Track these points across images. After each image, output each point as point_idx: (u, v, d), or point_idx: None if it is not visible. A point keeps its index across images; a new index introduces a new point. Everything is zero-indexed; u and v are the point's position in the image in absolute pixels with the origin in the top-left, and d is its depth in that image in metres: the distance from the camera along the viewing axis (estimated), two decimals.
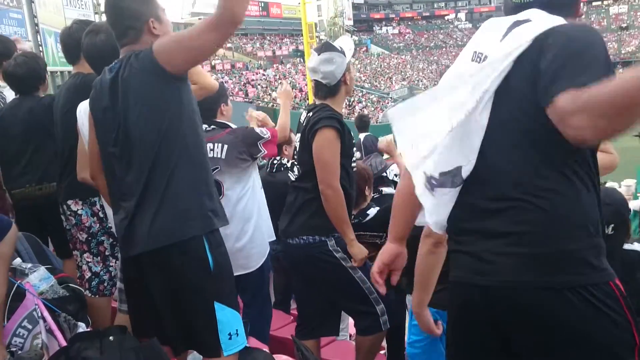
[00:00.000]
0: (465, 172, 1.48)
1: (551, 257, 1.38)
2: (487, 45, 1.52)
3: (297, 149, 2.88)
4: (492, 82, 1.44)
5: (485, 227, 1.46)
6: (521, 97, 1.41)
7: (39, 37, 17.75)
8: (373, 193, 3.83)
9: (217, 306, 2.00)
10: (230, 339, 2.03)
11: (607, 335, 1.38)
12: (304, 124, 2.81)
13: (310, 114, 2.80)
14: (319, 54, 2.79)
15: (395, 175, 4.43)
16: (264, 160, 4.41)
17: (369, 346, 2.88)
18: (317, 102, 2.87)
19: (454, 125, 1.45)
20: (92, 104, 2.17)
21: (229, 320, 2.03)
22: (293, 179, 2.95)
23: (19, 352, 2.17)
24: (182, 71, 2.02)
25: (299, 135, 2.92)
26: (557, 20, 1.45)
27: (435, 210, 1.57)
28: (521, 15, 1.51)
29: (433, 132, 1.49)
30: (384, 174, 4.27)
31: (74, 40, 2.84)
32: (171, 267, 1.99)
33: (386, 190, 3.79)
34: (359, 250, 2.78)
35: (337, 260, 2.76)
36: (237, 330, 2.06)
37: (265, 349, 2.68)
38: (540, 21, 1.46)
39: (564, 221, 1.38)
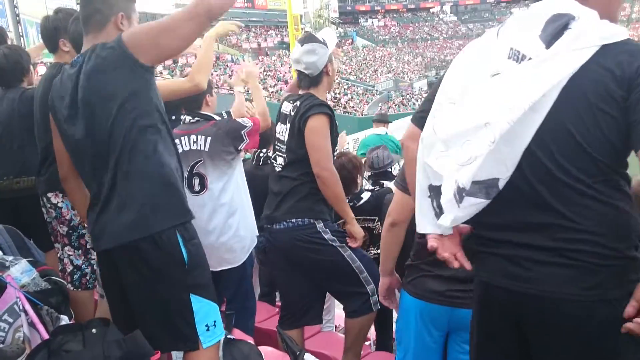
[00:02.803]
0: (502, 184, 1.40)
1: (594, 271, 1.35)
2: (526, 42, 1.37)
3: (285, 139, 2.87)
4: (552, 88, 1.32)
5: (526, 238, 1.41)
6: (584, 105, 1.33)
7: (20, 27, 17.47)
8: (374, 186, 3.86)
9: (193, 298, 1.99)
10: (207, 330, 2.02)
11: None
12: (294, 113, 2.80)
13: (298, 102, 2.81)
14: (301, 45, 2.83)
15: None
16: (249, 154, 4.38)
17: (358, 329, 2.91)
18: (301, 92, 2.88)
19: (497, 138, 1.33)
20: (54, 103, 2.11)
21: (205, 312, 2.02)
22: (279, 169, 2.94)
23: (1, 345, 2.14)
24: (154, 61, 1.99)
25: (280, 125, 2.92)
26: (617, 29, 1.35)
27: (453, 211, 1.46)
28: (558, 7, 1.38)
29: (473, 141, 1.38)
30: (389, 169, 4.24)
31: (57, 29, 2.80)
32: (145, 262, 1.96)
33: (387, 183, 3.81)
34: (359, 229, 2.84)
35: (326, 242, 2.77)
36: (214, 321, 2.05)
37: (250, 340, 2.68)
38: (592, 20, 1.35)
39: (608, 235, 1.34)
